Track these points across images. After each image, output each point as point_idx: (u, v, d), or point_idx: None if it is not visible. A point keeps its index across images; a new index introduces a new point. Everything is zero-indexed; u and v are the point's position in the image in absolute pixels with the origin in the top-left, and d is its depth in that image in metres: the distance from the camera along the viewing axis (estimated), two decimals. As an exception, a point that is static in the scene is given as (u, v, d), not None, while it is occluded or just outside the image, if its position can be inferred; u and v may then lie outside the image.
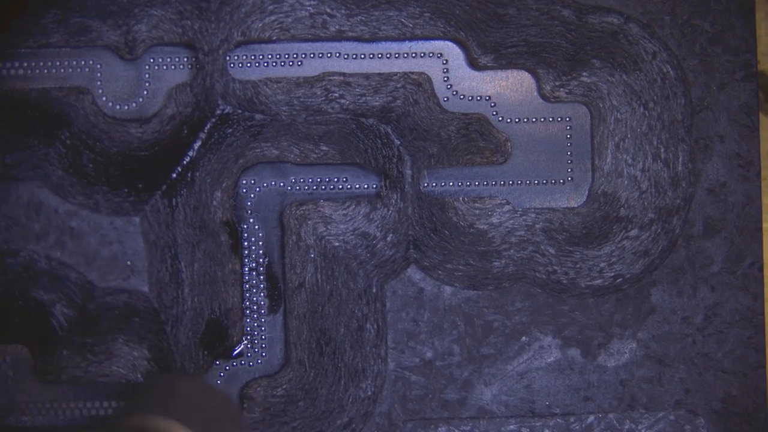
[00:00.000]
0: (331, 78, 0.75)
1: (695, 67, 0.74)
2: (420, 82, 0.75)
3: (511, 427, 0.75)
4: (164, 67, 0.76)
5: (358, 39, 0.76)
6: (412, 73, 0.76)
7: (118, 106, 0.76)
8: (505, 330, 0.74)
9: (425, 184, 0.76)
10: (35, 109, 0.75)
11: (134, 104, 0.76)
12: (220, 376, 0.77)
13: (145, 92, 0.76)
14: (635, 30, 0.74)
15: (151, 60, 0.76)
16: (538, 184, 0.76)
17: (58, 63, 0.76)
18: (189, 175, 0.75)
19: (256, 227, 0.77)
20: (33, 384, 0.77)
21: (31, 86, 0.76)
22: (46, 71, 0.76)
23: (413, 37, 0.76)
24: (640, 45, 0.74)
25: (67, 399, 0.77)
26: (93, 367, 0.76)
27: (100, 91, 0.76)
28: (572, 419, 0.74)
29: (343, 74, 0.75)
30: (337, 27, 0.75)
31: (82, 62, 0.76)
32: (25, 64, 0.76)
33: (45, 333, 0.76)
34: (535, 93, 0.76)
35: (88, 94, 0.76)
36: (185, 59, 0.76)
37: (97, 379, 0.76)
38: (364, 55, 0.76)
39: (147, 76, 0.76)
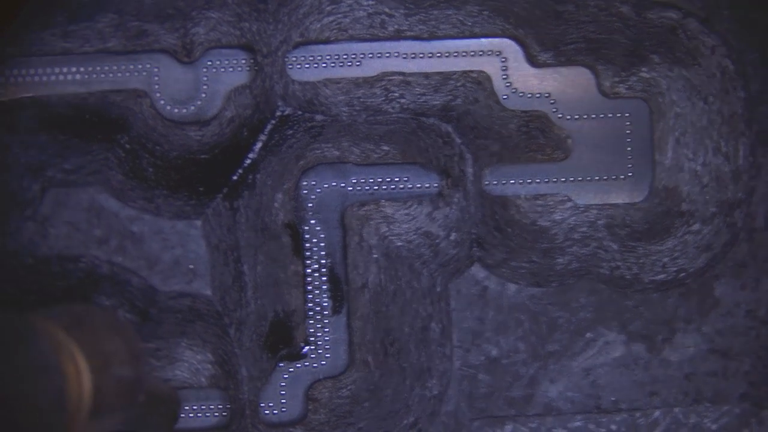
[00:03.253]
0: (391, 78, 0.75)
1: (754, 61, 0.74)
2: (479, 81, 0.75)
3: (577, 423, 0.75)
4: (222, 70, 0.76)
5: (416, 38, 0.76)
6: (472, 71, 0.76)
7: (176, 110, 0.76)
8: (570, 326, 0.74)
9: (486, 182, 0.76)
10: (93, 113, 0.75)
11: (192, 107, 0.76)
12: (284, 378, 0.76)
13: (203, 95, 0.76)
14: (694, 25, 0.74)
15: (209, 62, 0.76)
16: (599, 180, 0.76)
17: (115, 67, 0.76)
18: (250, 177, 0.75)
19: (318, 228, 0.77)
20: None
21: (89, 90, 0.76)
22: (103, 75, 0.76)
23: (472, 35, 0.76)
24: (699, 39, 0.75)
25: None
26: (156, 371, 0.76)
27: (158, 94, 0.76)
28: (638, 414, 0.75)
29: (403, 74, 0.75)
30: (395, 27, 0.75)
31: (140, 66, 0.76)
32: (82, 69, 0.76)
33: (107, 338, 0.76)
34: (595, 89, 0.76)
35: (146, 98, 0.76)
36: (243, 61, 0.76)
37: (160, 384, 0.76)
38: (423, 54, 0.76)
39: (205, 78, 0.76)
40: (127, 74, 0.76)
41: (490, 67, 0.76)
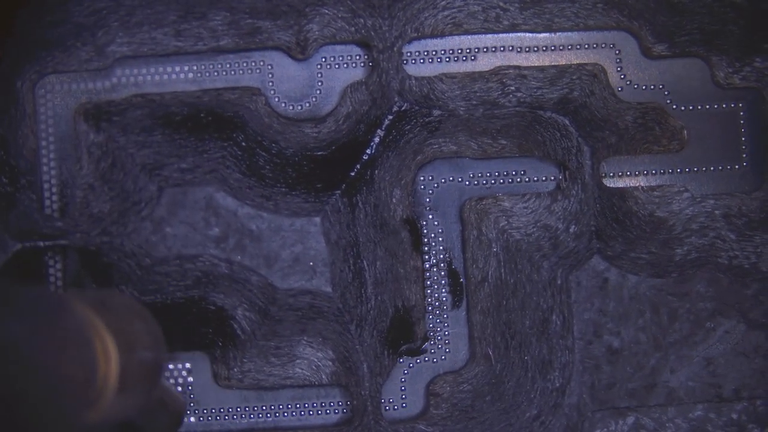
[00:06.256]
0: (506, 71, 0.75)
1: None
2: (595, 73, 0.75)
3: (698, 412, 0.75)
4: (336, 66, 0.76)
5: (531, 31, 0.76)
6: (587, 64, 0.76)
7: (291, 107, 0.76)
8: (690, 316, 0.75)
9: (604, 174, 0.76)
10: (208, 112, 0.75)
11: (307, 104, 0.76)
12: (405, 373, 0.76)
13: (317, 91, 0.76)
14: (807, 13, 0.75)
15: (323, 59, 0.76)
16: (714, 170, 0.77)
17: (228, 65, 0.76)
18: (368, 173, 0.75)
19: (436, 223, 0.77)
20: (214, 391, 0.76)
21: (203, 89, 0.75)
22: (216, 74, 0.76)
23: (586, 28, 0.76)
24: (813, 28, 0.75)
25: (250, 403, 0.76)
26: (276, 370, 0.76)
27: (272, 92, 0.76)
28: (758, 402, 0.75)
29: (518, 67, 0.75)
30: (510, 21, 0.75)
31: (253, 63, 0.76)
32: (195, 68, 0.76)
33: (226, 338, 0.76)
34: (709, 80, 0.76)
35: (261, 96, 0.75)
36: (357, 57, 0.76)
37: (280, 383, 0.76)
38: (537, 47, 0.76)
39: (319, 75, 0.76)
40: (241, 72, 0.76)
41: (605, 59, 0.76)
